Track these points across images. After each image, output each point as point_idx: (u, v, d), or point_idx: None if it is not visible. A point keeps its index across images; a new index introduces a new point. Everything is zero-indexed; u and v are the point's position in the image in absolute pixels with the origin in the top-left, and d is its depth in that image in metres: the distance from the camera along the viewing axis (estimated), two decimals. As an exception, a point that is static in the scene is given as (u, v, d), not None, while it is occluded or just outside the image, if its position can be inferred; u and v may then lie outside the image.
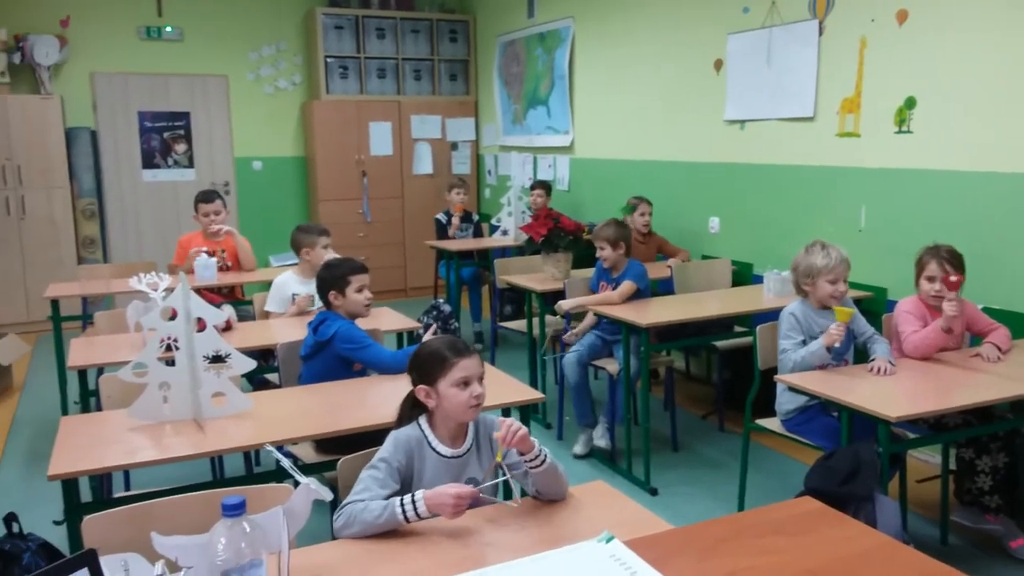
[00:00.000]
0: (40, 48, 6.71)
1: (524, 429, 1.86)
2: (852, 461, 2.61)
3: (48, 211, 6.76)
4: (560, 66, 6.67)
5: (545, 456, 1.88)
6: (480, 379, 2.02)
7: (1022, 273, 3.52)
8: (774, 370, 3.25)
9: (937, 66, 3.77)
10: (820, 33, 4.32)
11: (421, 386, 2.00)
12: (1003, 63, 3.52)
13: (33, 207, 6.70)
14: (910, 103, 3.90)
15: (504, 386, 2.76)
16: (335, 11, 7.65)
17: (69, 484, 2.10)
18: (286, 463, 1.64)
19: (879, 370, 2.93)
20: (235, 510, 1.27)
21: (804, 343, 3.10)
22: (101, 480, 2.69)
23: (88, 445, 2.26)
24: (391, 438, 1.98)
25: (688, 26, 5.28)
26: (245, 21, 7.61)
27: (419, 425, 2.03)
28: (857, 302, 3.56)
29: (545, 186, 6.44)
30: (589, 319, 4.17)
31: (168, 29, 7.33)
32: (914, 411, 2.59)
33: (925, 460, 3.95)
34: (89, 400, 3.27)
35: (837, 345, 2.99)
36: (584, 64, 6.47)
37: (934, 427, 3.04)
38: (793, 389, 2.95)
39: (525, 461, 1.88)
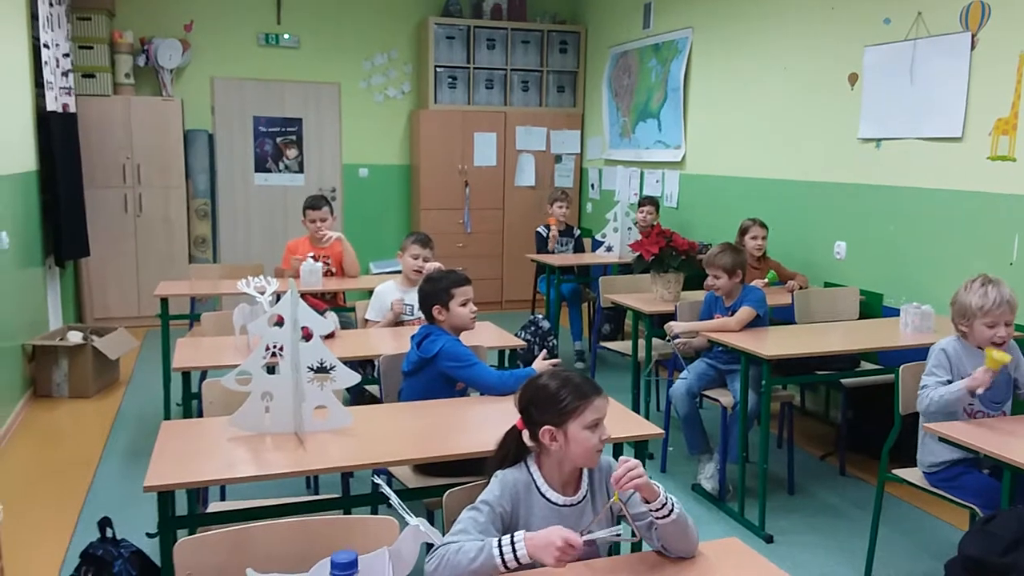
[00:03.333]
0: (164, 52, 6.92)
1: (644, 478, 1.65)
2: (1017, 528, 2.29)
3: (164, 210, 6.95)
4: (675, 78, 6.42)
5: (673, 505, 1.67)
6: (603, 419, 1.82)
7: None
8: (915, 415, 2.94)
9: (1116, 84, 3.36)
10: (972, 47, 3.95)
11: (547, 427, 1.78)
12: None
13: (150, 205, 6.91)
14: (1080, 125, 3.50)
15: (615, 418, 2.54)
16: (447, 21, 7.63)
17: (164, 497, 2.01)
18: (395, 500, 1.49)
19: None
20: (346, 570, 1.11)
21: (949, 384, 2.77)
22: (198, 490, 2.62)
23: (187, 455, 2.18)
24: (497, 480, 1.79)
25: (820, 37, 4.95)
26: (360, 30, 7.67)
27: (527, 467, 1.83)
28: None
29: (654, 203, 6.20)
30: (701, 339, 3.90)
31: (286, 36, 7.46)
32: (1097, 477, 2.24)
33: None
34: (191, 403, 3.24)
35: (981, 391, 2.64)
36: (701, 76, 6.20)
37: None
38: (945, 440, 2.62)
39: (650, 510, 1.67)
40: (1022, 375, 2.80)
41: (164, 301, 4.48)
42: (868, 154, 4.61)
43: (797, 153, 5.18)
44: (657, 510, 1.67)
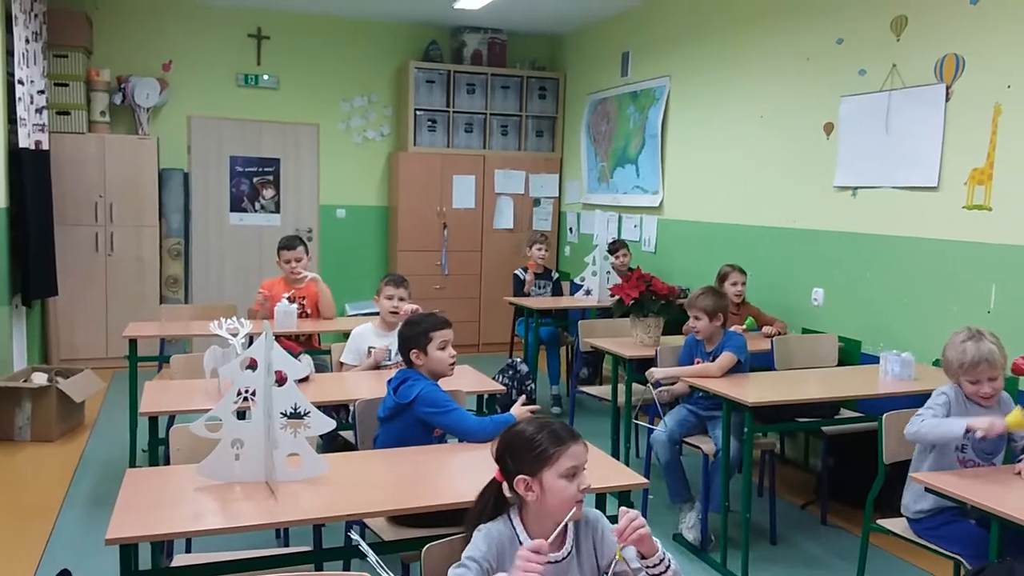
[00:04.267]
0: (141, 90, 6.88)
1: (646, 528, 1.59)
2: (1007, 582, 2.25)
3: (136, 249, 6.84)
4: (653, 125, 6.48)
5: (669, 563, 1.61)
6: (584, 467, 1.76)
7: None
8: (898, 464, 2.91)
9: (1087, 136, 3.42)
10: (947, 98, 4.01)
11: (521, 476, 1.72)
12: None
13: (121, 244, 6.79)
14: (1053, 175, 3.55)
15: (596, 466, 2.48)
16: (428, 65, 7.67)
17: (127, 549, 1.91)
18: (372, 558, 1.41)
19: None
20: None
21: None
22: (162, 541, 2.50)
23: (151, 505, 2.08)
24: (481, 534, 1.72)
25: (796, 87, 5.02)
26: (340, 72, 7.69)
27: (510, 521, 1.76)
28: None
29: (626, 245, 6.23)
30: (682, 384, 3.85)
31: (265, 77, 7.45)
32: (1086, 529, 2.21)
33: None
34: (158, 449, 3.12)
35: (979, 435, 2.60)
36: (679, 123, 6.27)
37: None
38: (932, 491, 2.58)
39: (646, 567, 1.60)
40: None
41: (133, 342, 4.36)
42: (845, 202, 4.65)
43: (774, 200, 5.22)
44: (654, 566, 1.61)
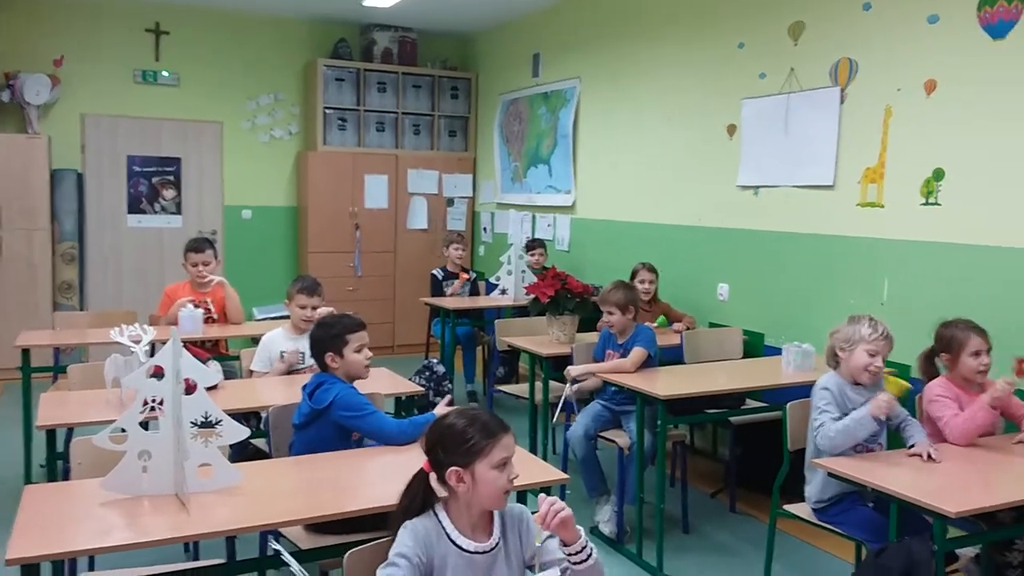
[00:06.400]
0: (31, 87, 6.51)
1: (568, 511, 1.61)
2: (905, 559, 2.38)
3: (27, 254, 6.47)
4: (564, 125, 6.56)
5: (591, 551, 1.63)
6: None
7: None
8: (802, 451, 3.03)
9: (968, 137, 3.64)
10: (842, 101, 4.21)
11: (453, 468, 1.73)
12: (1037, 137, 3.40)
13: (11, 249, 6.41)
14: (938, 175, 3.77)
15: (519, 463, 2.48)
16: (337, 63, 7.54)
17: (28, 570, 1.81)
18: (295, 568, 1.38)
19: (926, 455, 2.70)
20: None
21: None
22: (62, 562, 2.38)
23: (54, 523, 1.97)
24: (407, 531, 1.71)
25: (700, 90, 5.18)
26: (244, 70, 7.48)
27: (435, 514, 1.76)
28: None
29: (543, 245, 6.30)
30: (594, 379, 3.91)
31: (164, 74, 7.17)
32: (974, 505, 2.35)
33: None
34: (56, 464, 2.96)
35: (884, 415, 2.74)
36: (589, 124, 6.36)
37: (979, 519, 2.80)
38: (833, 475, 2.70)
39: (568, 554, 1.62)
40: (895, 409, 2.91)
41: (25, 352, 4.13)
42: (747, 201, 4.83)
43: (681, 199, 5.37)
44: (575, 553, 1.63)
